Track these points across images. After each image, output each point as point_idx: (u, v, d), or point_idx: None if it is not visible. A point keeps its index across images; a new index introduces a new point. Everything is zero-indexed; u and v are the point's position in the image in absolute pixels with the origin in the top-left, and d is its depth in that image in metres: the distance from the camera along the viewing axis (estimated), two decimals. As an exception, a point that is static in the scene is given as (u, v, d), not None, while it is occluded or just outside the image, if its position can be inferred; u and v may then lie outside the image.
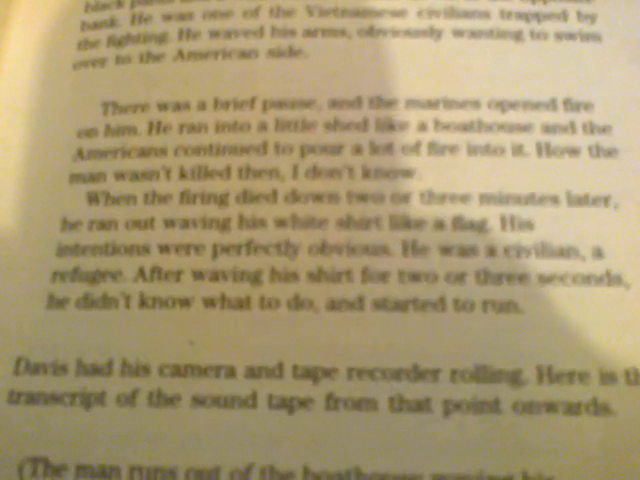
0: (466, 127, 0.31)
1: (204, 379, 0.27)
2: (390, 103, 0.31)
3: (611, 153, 0.30)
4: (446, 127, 0.31)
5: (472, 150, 0.30)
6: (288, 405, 0.27)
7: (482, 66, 0.32)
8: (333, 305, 0.28)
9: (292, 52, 0.32)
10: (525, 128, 0.31)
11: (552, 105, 0.31)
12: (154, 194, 0.30)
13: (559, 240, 0.29)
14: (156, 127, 0.31)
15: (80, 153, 0.31)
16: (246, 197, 0.30)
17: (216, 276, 0.29)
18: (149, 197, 0.30)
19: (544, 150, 0.30)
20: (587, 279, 0.28)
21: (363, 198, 0.30)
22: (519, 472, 0.26)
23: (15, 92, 0.33)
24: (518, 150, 0.30)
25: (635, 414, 0.26)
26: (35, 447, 0.27)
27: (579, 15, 0.33)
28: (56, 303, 0.29)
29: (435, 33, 0.33)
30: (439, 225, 0.29)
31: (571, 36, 0.33)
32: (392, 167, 0.30)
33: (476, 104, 0.31)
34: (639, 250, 0.29)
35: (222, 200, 0.30)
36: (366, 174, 0.30)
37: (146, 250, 0.29)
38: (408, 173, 0.30)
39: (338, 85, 0.32)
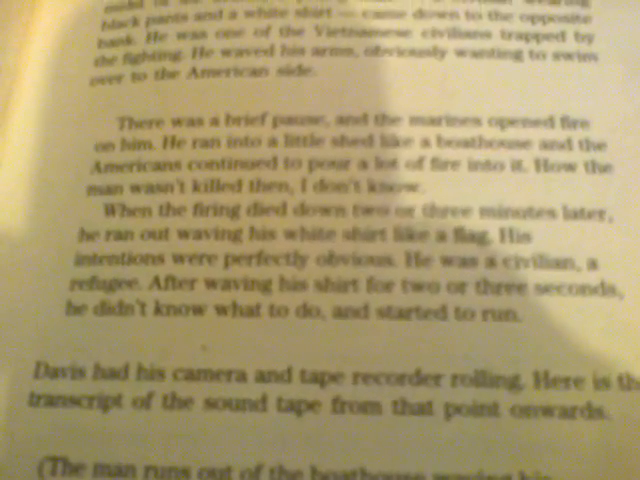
0: (467, 143, 0.32)
1: (216, 383, 0.28)
2: (395, 120, 0.32)
3: (606, 169, 0.31)
4: (448, 143, 0.32)
5: (473, 165, 0.31)
6: (296, 408, 0.28)
7: (483, 84, 0.33)
8: (339, 313, 0.29)
9: (301, 70, 0.34)
10: (524, 144, 0.32)
11: (550, 122, 0.32)
12: (169, 206, 0.31)
13: (556, 252, 0.30)
14: (170, 142, 0.32)
15: (97, 166, 0.32)
16: (257, 209, 0.31)
17: (228, 285, 0.30)
18: (164, 209, 0.31)
19: (542, 166, 0.31)
20: (582, 289, 0.29)
21: (369, 211, 0.31)
22: (517, 472, 0.27)
23: (34, 107, 0.34)
24: (517, 165, 0.31)
25: (628, 418, 0.27)
26: (54, 447, 0.28)
27: (577, 36, 0.34)
28: (74, 310, 0.30)
29: (439, 52, 0.34)
30: (441, 237, 0.30)
31: (569, 56, 0.34)
32: (396, 181, 0.31)
33: (477, 121, 0.32)
34: (633, 262, 0.30)
35: (234, 212, 0.31)
36: (371, 188, 0.31)
37: (161, 260, 0.30)
38: (412, 187, 0.31)
39: (345, 102, 0.33)
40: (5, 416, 0.29)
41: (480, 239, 0.30)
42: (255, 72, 0.34)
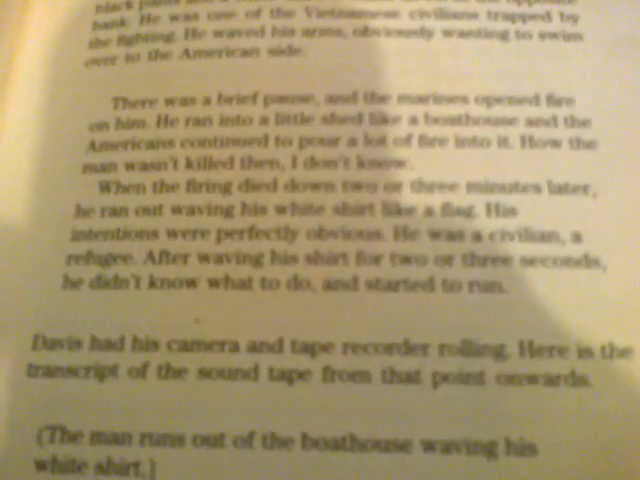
0: (454, 121, 0.32)
1: (209, 353, 0.29)
2: (383, 98, 0.33)
3: (590, 145, 0.32)
4: (436, 121, 0.32)
5: (460, 142, 0.32)
6: (287, 377, 0.29)
7: (470, 64, 0.34)
8: (329, 285, 0.30)
9: (292, 51, 0.34)
10: (510, 122, 0.32)
11: (535, 100, 0.33)
12: (162, 183, 0.32)
13: (541, 225, 0.30)
14: (164, 121, 0.33)
15: (92, 145, 0.33)
16: (248, 186, 0.31)
17: (220, 259, 0.30)
18: (157, 186, 0.32)
19: (527, 142, 0.32)
20: (566, 261, 0.30)
21: (358, 187, 0.31)
22: (502, 438, 0.28)
23: (30, 89, 0.35)
24: (503, 142, 0.32)
25: (610, 385, 0.28)
26: (52, 416, 0.29)
27: (562, 16, 0.35)
28: (71, 284, 0.31)
29: (426, 33, 0.34)
30: (428, 212, 0.31)
31: (554, 35, 0.34)
32: (385, 158, 0.32)
33: (464, 99, 0.33)
34: (616, 235, 0.30)
35: (226, 188, 0.31)
36: (360, 164, 0.32)
37: (155, 235, 0.31)
38: (400, 163, 0.32)
39: (335, 81, 0.33)
40: (4, 387, 0.29)
41: (467, 213, 0.31)
42: (246, 53, 0.34)
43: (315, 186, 0.31)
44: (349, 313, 0.29)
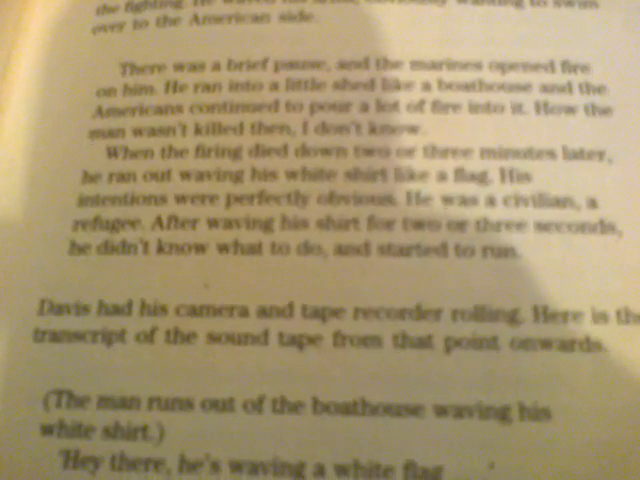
0: (468, 87, 0.32)
1: (219, 318, 0.29)
2: (396, 64, 0.33)
3: (606, 111, 0.32)
4: (449, 86, 0.32)
5: (474, 108, 0.32)
6: (298, 342, 0.28)
7: (484, 30, 0.33)
8: (341, 250, 0.29)
9: (303, 16, 0.34)
10: (524, 88, 0.32)
11: (550, 67, 0.32)
12: (171, 148, 0.31)
13: (555, 191, 0.30)
14: (172, 86, 0.33)
15: (99, 111, 0.33)
16: (258, 151, 0.31)
17: (229, 224, 0.30)
18: (166, 151, 0.31)
19: (542, 108, 0.32)
20: (582, 227, 0.29)
21: (370, 152, 0.31)
22: (515, 403, 0.27)
23: (38, 55, 0.34)
24: (517, 108, 0.32)
25: (625, 350, 0.28)
26: (59, 380, 0.28)
27: (577, -17, 0.34)
28: (78, 249, 0.30)
29: (439, -1, 0.34)
30: (441, 177, 0.30)
31: (569, 3, 0.34)
32: (397, 123, 0.31)
33: (478, 65, 0.32)
34: (631, 200, 0.30)
35: (235, 154, 0.31)
36: (372, 130, 0.31)
37: (163, 200, 0.31)
38: (412, 129, 0.31)
39: (347, 47, 0.33)
40: (11, 352, 0.29)
41: (480, 179, 0.30)
42: (257, 18, 0.34)
43: (326, 151, 0.31)
44: (360, 278, 0.29)
